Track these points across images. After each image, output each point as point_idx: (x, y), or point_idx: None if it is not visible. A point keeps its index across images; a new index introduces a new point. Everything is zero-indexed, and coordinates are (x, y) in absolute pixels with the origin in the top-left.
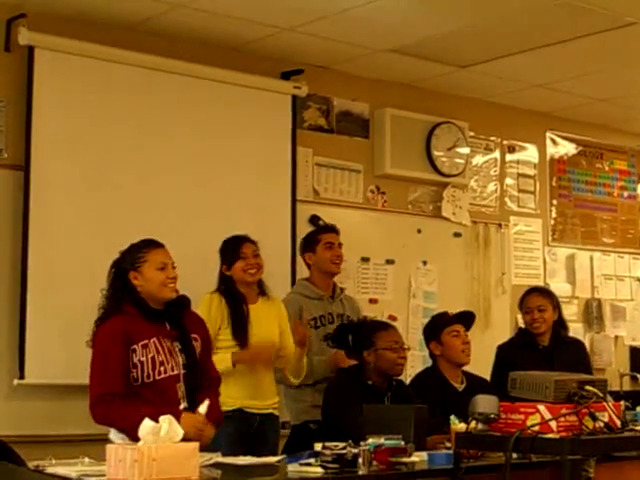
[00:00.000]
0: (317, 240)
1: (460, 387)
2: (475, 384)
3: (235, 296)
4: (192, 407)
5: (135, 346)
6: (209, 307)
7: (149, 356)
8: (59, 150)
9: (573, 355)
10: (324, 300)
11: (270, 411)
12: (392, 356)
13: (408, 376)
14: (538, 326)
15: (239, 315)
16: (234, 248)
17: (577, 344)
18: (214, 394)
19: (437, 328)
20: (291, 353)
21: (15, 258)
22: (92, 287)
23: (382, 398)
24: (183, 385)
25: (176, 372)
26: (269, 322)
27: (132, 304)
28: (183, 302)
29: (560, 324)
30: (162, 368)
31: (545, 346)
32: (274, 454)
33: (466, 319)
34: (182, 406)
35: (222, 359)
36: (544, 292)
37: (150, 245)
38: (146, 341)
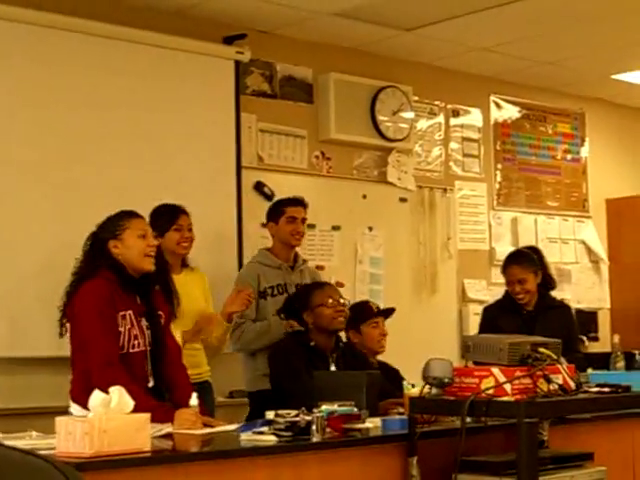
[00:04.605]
0: (281, 212)
1: None
2: (383, 370)
3: (164, 265)
4: (158, 384)
5: (117, 315)
6: None
7: (126, 327)
8: None
9: (557, 320)
10: (283, 269)
11: (205, 379)
12: (328, 311)
13: None
14: (522, 297)
15: (168, 285)
16: (170, 218)
17: (563, 309)
18: (182, 368)
19: (358, 319)
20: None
21: None
22: (33, 254)
23: (326, 359)
24: (149, 362)
25: (144, 348)
26: (194, 293)
27: (111, 270)
28: (154, 278)
29: (545, 285)
30: (136, 342)
31: (529, 311)
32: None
33: (387, 313)
34: (150, 384)
35: None
36: (522, 261)
37: (130, 214)
38: (123, 312)
